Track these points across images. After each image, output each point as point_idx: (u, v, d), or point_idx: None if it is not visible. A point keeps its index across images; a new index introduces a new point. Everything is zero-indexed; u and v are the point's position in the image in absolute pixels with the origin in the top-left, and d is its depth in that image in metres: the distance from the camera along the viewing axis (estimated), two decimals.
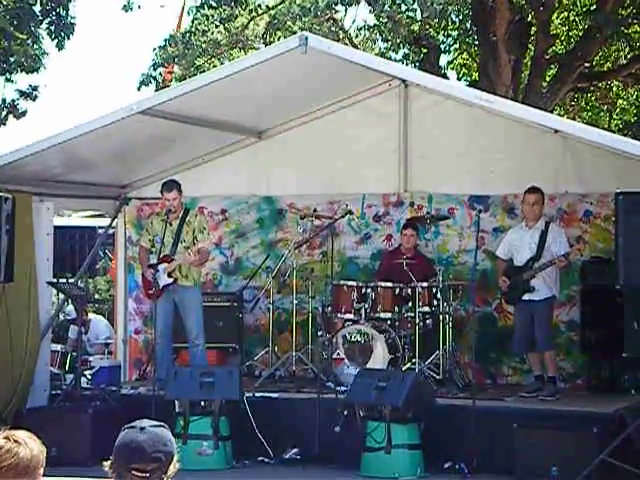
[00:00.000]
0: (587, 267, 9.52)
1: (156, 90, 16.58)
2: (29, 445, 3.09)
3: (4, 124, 17.20)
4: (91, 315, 12.17)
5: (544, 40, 16.51)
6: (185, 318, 9.33)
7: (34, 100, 17.21)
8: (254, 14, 18.47)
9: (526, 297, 8.93)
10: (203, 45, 17.98)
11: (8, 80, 16.60)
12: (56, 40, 16.32)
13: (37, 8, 16.35)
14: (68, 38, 16.40)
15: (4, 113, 17.07)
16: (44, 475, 3.17)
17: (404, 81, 10.00)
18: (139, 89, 18.09)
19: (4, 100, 17.15)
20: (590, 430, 7.58)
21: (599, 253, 9.57)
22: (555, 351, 9.19)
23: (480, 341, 9.23)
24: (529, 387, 9.08)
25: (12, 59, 16.23)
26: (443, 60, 18.99)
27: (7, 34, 15.62)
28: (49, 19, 16.33)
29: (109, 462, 3.08)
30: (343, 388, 8.79)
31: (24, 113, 17.27)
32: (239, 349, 10.24)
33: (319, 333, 9.70)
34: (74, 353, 10.51)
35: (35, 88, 17.15)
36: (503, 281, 9.09)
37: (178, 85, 10.63)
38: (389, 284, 9.50)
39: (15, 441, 3.08)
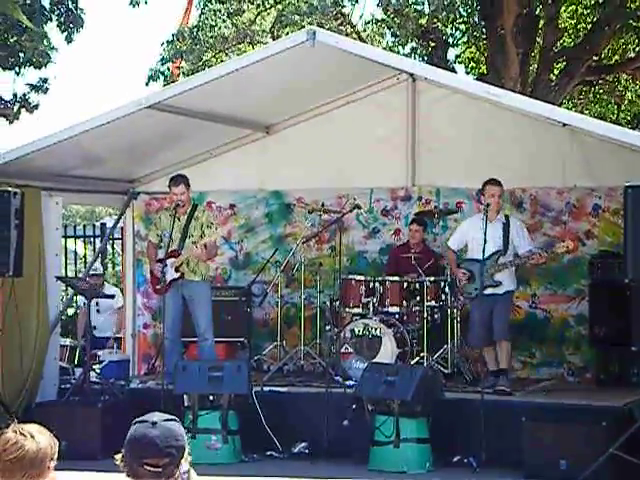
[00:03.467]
0: (596, 261, 9.50)
1: (164, 85, 16.58)
2: (36, 438, 3.11)
3: (17, 118, 17.19)
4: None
5: (552, 33, 16.48)
6: (194, 313, 9.34)
7: (45, 93, 17.21)
8: (261, 8, 18.46)
9: (489, 291, 8.68)
10: (211, 40, 17.97)
11: (17, 74, 16.60)
12: (65, 33, 16.34)
13: (46, 1, 16.37)
14: (77, 31, 16.42)
15: (16, 107, 17.06)
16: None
17: (412, 75, 9.99)
18: (147, 84, 18.11)
19: (15, 95, 17.15)
20: (599, 424, 7.56)
21: (608, 247, 9.56)
22: (510, 343, 8.93)
23: None
24: (486, 383, 8.57)
25: (22, 55, 16.24)
26: (451, 54, 18.98)
27: (18, 28, 15.62)
28: (58, 11, 16.35)
29: (120, 456, 3.08)
30: (351, 382, 8.81)
31: (36, 107, 17.26)
32: (248, 343, 10.25)
33: (327, 327, 9.71)
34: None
35: (45, 80, 17.15)
36: (463, 273, 8.83)
37: (186, 80, 10.62)
38: (397, 278, 9.50)
39: (22, 434, 3.10)
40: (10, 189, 8.57)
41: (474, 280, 8.76)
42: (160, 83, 17.79)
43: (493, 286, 8.71)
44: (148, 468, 3.01)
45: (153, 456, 3.01)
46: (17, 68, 16.50)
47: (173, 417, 3.14)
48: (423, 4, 17.32)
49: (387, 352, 9.13)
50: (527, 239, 8.89)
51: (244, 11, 18.46)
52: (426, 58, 17.24)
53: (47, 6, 16.34)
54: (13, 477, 3.08)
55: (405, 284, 9.47)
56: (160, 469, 3.02)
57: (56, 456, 3.17)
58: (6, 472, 3.07)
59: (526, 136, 9.75)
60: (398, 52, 17.53)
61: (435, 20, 17.35)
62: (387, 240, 10.35)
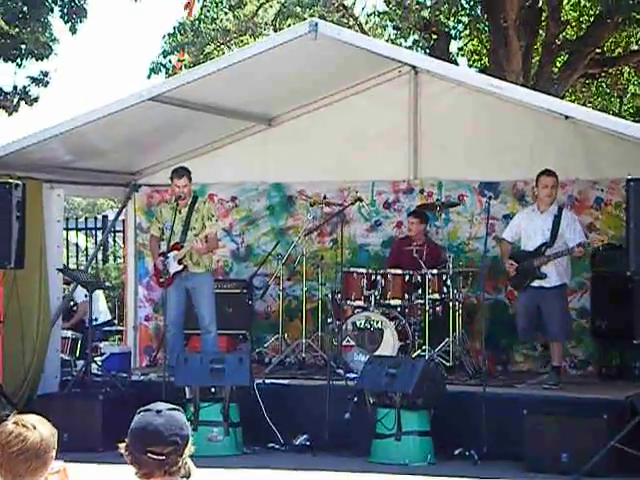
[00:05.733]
0: (598, 254, 9.48)
1: (166, 78, 16.56)
2: (38, 429, 3.10)
3: (16, 111, 17.19)
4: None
5: (555, 26, 16.44)
6: (197, 305, 9.34)
7: (45, 86, 17.20)
8: (263, 1, 18.42)
9: (535, 284, 8.78)
10: (212, 32, 17.94)
11: (19, 66, 16.60)
12: (69, 24, 16.34)
13: None
14: (80, 21, 16.43)
15: (16, 100, 17.06)
16: (56, 459, 3.18)
17: (414, 67, 9.97)
18: (149, 77, 18.09)
19: (15, 87, 17.14)
20: (601, 417, 7.56)
21: (610, 240, 9.53)
22: (567, 341, 9.12)
23: (490, 328, 9.21)
24: (538, 377, 8.83)
25: (23, 46, 16.23)
26: (453, 46, 18.93)
27: (20, 19, 15.63)
28: (61, 1, 16.35)
29: (124, 444, 3.07)
30: (353, 375, 8.81)
31: (36, 99, 17.26)
32: (249, 336, 10.25)
33: (329, 320, 9.71)
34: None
35: (46, 74, 17.14)
36: (510, 264, 8.90)
37: (188, 72, 10.61)
38: (399, 271, 9.49)
39: (24, 426, 3.09)
40: (12, 181, 8.57)
41: (523, 272, 8.78)
42: (162, 76, 17.76)
43: (539, 278, 8.71)
44: (152, 456, 3.00)
45: (157, 444, 3.01)
46: (19, 60, 16.49)
47: (177, 407, 3.13)
48: None
49: (389, 345, 9.13)
50: (579, 232, 8.80)
51: (246, 3, 18.42)
52: (428, 51, 17.21)
53: None
54: (17, 470, 3.07)
55: (407, 277, 9.46)
56: (164, 457, 3.01)
57: (56, 445, 3.16)
58: (10, 465, 3.06)
59: (528, 129, 9.73)
60: (400, 45, 17.49)
61: (437, 12, 17.30)
62: (389, 233, 10.35)
